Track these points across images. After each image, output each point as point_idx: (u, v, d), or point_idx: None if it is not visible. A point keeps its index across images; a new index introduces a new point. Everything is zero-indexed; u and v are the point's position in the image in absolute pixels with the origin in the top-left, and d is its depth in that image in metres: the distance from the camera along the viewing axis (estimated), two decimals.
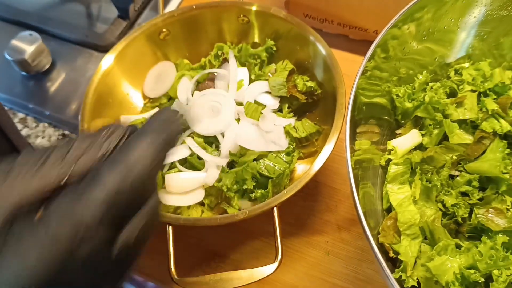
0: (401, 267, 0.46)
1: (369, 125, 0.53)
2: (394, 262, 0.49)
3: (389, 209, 0.52)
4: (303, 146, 0.63)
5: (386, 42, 0.51)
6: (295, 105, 0.66)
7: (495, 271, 0.45)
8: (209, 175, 0.59)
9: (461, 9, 0.55)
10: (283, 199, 0.52)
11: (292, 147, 0.60)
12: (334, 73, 0.60)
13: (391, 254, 0.48)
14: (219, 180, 0.58)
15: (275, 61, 0.68)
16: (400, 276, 0.46)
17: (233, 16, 0.68)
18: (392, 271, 0.46)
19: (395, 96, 0.56)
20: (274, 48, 0.67)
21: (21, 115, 0.78)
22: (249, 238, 0.60)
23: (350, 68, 0.59)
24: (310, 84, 0.64)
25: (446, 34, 0.56)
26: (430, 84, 0.57)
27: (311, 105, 0.66)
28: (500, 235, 0.47)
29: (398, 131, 0.57)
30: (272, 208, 0.52)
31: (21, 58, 0.77)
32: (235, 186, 0.57)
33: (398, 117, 0.57)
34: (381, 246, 0.49)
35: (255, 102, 0.64)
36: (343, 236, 0.59)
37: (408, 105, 0.55)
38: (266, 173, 0.58)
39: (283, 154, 0.60)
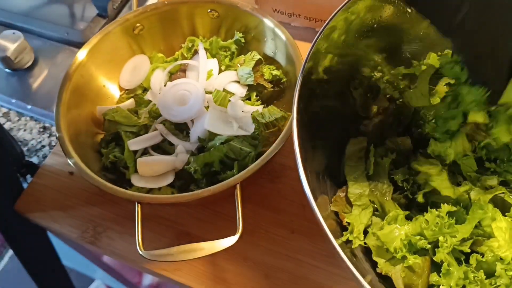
0: (349, 229, 0.49)
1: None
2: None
3: (345, 182, 0.54)
4: (271, 132, 0.66)
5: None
6: (264, 94, 0.69)
7: (441, 238, 0.48)
8: (179, 159, 0.62)
9: None
10: (245, 176, 0.55)
11: (257, 132, 0.63)
12: (297, 63, 0.64)
13: (345, 222, 0.51)
14: (188, 163, 0.61)
15: (244, 53, 0.71)
16: (348, 238, 0.49)
17: (204, 11, 0.72)
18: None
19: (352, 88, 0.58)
20: (243, 41, 0.71)
21: (4, 109, 0.81)
22: (217, 218, 0.63)
23: None
24: (276, 73, 0.67)
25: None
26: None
27: (278, 93, 0.69)
28: (445, 204, 0.50)
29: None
30: (235, 186, 0.55)
31: (3, 55, 0.80)
32: (203, 169, 0.60)
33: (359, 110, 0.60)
34: (336, 216, 0.52)
35: (224, 90, 0.67)
36: (307, 215, 0.62)
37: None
38: (232, 156, 0.61)
39: (250, 138, 0.63)
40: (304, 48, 0.64)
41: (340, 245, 0.42)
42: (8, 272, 1.61)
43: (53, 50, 0.86)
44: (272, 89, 0.68)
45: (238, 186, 0.55)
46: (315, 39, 0.50)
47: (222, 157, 0.60)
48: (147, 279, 1.26)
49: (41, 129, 0.78)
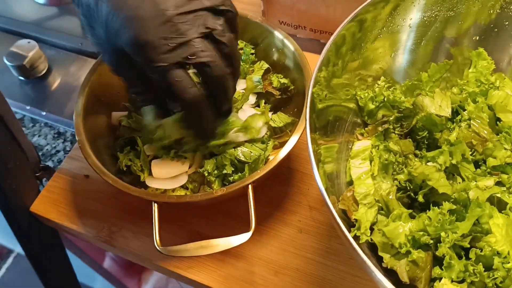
0: (357, 226, 0.52)
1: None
2: None
3: (351, 182, 0.58)
4: (279, 136, 0.70)
5: (342, 39, 0.58)
6: (272, 101, 0.73)
7: (443, 234, 0.51)
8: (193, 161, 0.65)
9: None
10: (257, 177, 0.58)
11: (266, 135, 0.67)
12: (304, 72, 0.67)
13: (353, 219, 0.54)
14: (201, 166, 0.64)
15: (253, 63, 0.75)
16: (355, 233, 0.52)
17: None
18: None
19: (358, 98, 0.63)
20: (253, 51, 0.74)
21: (18, 116, 0.84)
22: (229, 219, 0.66)
23: None
24: (284, 81, 0.71)
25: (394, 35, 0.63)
26: (386, 86, 0.64)
27: (285, 100, 0.73)
28: (447, 202, 0.53)
29: (359, 133, 0.63)
30: (247, 186, 0.58)
31: (19, 63, 0.83)
32: (215, 171, 0.63)
33: (365, 118, 0.64)
34: (344, 214, 0.55)
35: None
36: (314, 216, 0.65)
37: (371, 106, 0.62)
38: (243, 159, 0.64)
39: (259, 142, 0.66)
40: (309, 59, 0.68)
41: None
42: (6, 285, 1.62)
43: (67, 59, 0.89)
44: (280, 96, 0.71)
45: (250, 186, 0.58)
46: (326, 47, 0.54)
47: (234, 160, 0.64)
48: (148, 286, 1.28)
49: (56, 135, 0.80)
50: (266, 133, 0.67)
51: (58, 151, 0.78)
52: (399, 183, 0.57)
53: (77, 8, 0.55)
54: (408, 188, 0.56)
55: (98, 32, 0.54)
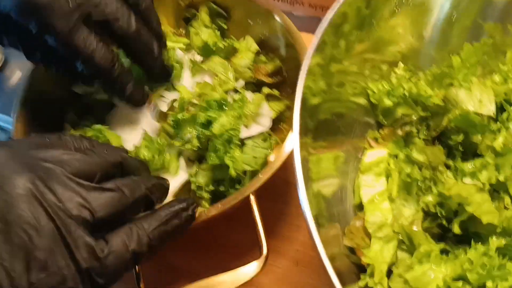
0: (368, 271, 0.38)
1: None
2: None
3: (361, 205, 0.44)
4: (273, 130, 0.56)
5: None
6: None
7: (489, 283, 0.37)
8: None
9: None
10: (258, 184, 0.45)
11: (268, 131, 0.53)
12: (298, 48, 0.53)
13: (364, 261, 0.40)
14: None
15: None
16: (367, 283, 0.38)
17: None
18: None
19: (370, 93, 0.48)
20: (226, 27, 0.60)
21: None
22: (229, 236, 0.54)
23: None
24: (277, 63, 0.57)
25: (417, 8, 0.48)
26: (407, 75, 0.49)
27: (277, 83, 0.58)
28: (494, 238, 0.38)
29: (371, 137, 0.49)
30: (249, 196, 0.45)
31: None
32: (210, 186, 0.50)
33: (379, 117, 0.49)
34: (352, 253, 0.41)
35: None
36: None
37: (388, 102, 0.48)
38: (249, 168, 0.50)
39: (260, 141, 0.52)
40: (309, 40, 0.53)
41: None
42: None
43: None
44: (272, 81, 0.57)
45: (252, 196, 0.45)
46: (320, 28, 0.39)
47: (240, 173, 0.50)
48: None
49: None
50: None
51: None
52: (427, 207, 0.42)
53: None
54: (439, 214, 0.42)
55: None
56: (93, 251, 0.33)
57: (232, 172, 0.48)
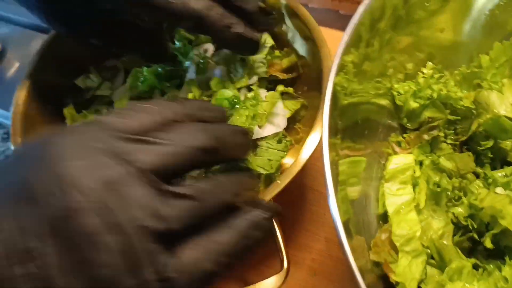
0: None
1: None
2: None
3: (386, 215, 0.41)
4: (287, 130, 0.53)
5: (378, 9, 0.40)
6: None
7: None
8: None
9: None
10: (277, 191, 0.42)
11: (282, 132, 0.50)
12: (319, 42, 0.49)
13: (393, 279, 0.37)
14: None
15: None
16: None
17: None
18: None
19: (395, 93, 0.45)
20: None
21: None
22: None
23: None
24: (293, 59, 0.54)
25: None
26: (436, 76, 0.46)
27: (291, 80, 0.55)
28: None
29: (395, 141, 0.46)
30: None
31: None
32: None
33: (403, 120, 0.46)
34: (378, 267, 0.39)
35: None
36: (332, 252, 0.49)
37: (414, 104, 0.45)
38: (263, 171, 0.47)
39: (275, 142, 0.49)
40: (325, 35, 0.50)
41: None
42: None
43: (24, 39, 0.72)
44: (287, 77, 0.54)
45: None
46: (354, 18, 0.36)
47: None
48: None
49: (6, 135, 0.64)
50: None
51: (8, 157, 0.62)
52: (457, 218, 0.40)
53: None
54: (471, 227, 0.39)
55: None
56: (164, 270, 0.27)
57: None
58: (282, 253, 0.41)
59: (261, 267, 0.47)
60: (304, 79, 0.54)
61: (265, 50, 0.54)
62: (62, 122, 0.54)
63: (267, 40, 0.55)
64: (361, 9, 0.37)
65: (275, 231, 0.41)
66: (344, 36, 0.37)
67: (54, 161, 0.27)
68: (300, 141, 0.52)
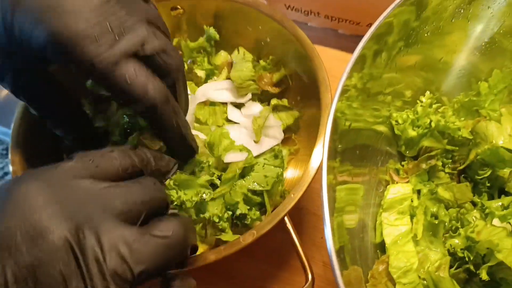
0: None
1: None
2: None
3: (383, 244, 0.41)
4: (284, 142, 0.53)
5: (380, 36, 0.40)
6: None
7: None
8: None
9: None
10: (292, 204, 0.42)
11: (278, 146, 0.50)
12: (312, 56, 0.50)
13: None
14: (203, 211, 0.47)
15: (222, 47, 0.56)
16: None
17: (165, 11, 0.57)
18: None
19: (394, 123, 0.45)
20: (217, 36, 0.56)
21: None
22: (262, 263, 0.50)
23: (339, 68, 0.47)
24: (283, 72, 0.54)
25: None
26: (434, 105, 0.46)
27: (281, 92, 0.55)
28: None
29: (393, 169, 0.46)
30: (283, 219, 0.42)
31: None
32: (225, 214, 0.47)
33: (401, 148, 0.47)
34: None
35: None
36: (330, 277, 0.49)
37: (412, 133, 0.45)
38: (258, 188, 0.47)
39: (272, 158, 0.49)
40: (323, 54, 0.50)
41: None
42: None
43: None
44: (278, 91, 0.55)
45: (287, 219, 0.42)
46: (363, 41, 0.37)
47: (246, 193, 0.47)
48: None
49: (5, 151, 0.64)
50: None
51: (6, 174, 0.62)
52: (453, 249, 0.40)
53: None
54: (467, 259, 0.39)
55: None
56: None
57: (243, 207, 0.45)
58: (305, 266, 0.41)
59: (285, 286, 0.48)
60: (296, 89, 0.54)
61: (249, 66, 0.54)
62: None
63: (246, 55, 0.54)
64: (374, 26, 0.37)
65: (296, 244, 0.43)
66: (353, 57, 0.37)
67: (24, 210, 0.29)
68: (298, 152, 0.53)
